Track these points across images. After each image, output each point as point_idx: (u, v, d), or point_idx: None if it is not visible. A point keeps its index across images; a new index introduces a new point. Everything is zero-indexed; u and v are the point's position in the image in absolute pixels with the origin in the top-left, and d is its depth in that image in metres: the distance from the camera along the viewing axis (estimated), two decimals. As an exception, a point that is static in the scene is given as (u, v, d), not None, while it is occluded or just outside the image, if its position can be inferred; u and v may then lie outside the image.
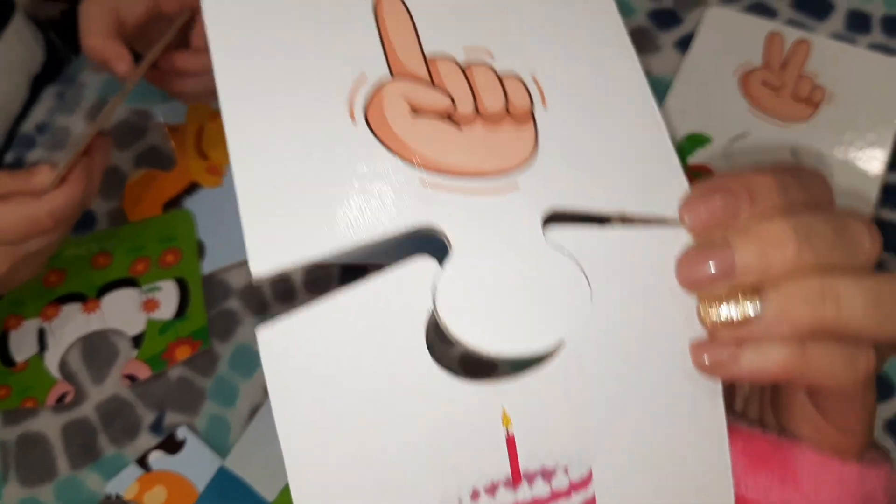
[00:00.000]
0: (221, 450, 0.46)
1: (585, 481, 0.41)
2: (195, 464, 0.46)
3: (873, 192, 0.49)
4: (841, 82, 0.52)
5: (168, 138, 0.56)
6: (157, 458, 0.46)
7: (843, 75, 0.52)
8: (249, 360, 0.49)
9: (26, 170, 0.42)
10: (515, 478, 0.39)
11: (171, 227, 0.53)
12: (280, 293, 0.51)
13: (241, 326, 0.50)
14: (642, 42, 0.56)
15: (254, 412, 0.47)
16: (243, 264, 0.51)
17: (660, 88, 0.54)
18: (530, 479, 0.39)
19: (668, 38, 0.57)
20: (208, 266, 0.52)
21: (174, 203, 0.54)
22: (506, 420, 0.41)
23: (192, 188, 0.54)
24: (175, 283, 0.51)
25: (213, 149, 0.56)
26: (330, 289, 0.52)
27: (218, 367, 0.49)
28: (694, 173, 0.50)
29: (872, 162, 0.49)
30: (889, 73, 0.52)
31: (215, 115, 0.56)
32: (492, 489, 0.39)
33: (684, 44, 0.55)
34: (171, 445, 0.46)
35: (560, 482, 0.40)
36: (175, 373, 0.49)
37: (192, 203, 0.54)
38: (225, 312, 0.50)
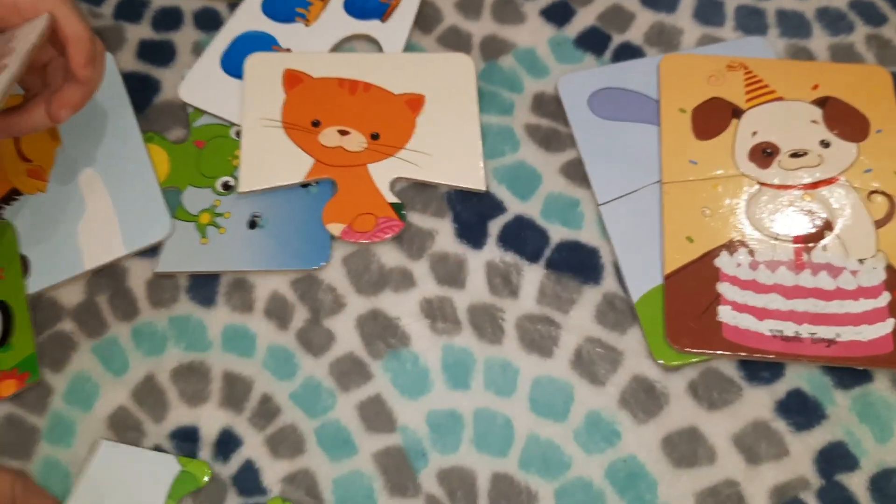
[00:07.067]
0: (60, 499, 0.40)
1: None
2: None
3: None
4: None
5: (-23, 140, 0.48)
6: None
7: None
8: (89, 391, 0.43)
9: None
10: None
11: (-14, 241, 0.46)
12: (121, 310, 0.45)
13: (76, 353, 0.44)
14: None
15: (94, 451, 0.41)
16: (77, 279, 0.45)
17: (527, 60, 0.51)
18: None
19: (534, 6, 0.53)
20: (34, 285, 0.45)
21: (-11, 214, 0.47)
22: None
23: (12, 195, 0.47)
24: (-6, 307, 0.44)
25: (36, 150, 0.49)
26: (175, 302, 0.45)
27: (51, 402, 0.43)
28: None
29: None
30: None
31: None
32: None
33: (549, 13, 0.52)
34: None
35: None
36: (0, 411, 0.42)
37: (11, 213, 0.47)
38: (57, 336, 0.44)
